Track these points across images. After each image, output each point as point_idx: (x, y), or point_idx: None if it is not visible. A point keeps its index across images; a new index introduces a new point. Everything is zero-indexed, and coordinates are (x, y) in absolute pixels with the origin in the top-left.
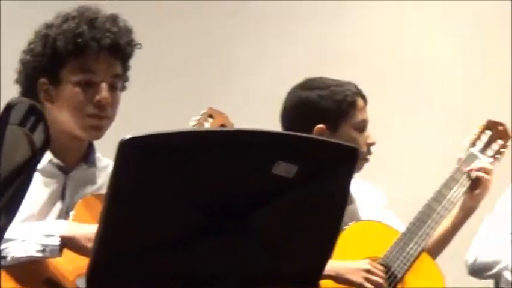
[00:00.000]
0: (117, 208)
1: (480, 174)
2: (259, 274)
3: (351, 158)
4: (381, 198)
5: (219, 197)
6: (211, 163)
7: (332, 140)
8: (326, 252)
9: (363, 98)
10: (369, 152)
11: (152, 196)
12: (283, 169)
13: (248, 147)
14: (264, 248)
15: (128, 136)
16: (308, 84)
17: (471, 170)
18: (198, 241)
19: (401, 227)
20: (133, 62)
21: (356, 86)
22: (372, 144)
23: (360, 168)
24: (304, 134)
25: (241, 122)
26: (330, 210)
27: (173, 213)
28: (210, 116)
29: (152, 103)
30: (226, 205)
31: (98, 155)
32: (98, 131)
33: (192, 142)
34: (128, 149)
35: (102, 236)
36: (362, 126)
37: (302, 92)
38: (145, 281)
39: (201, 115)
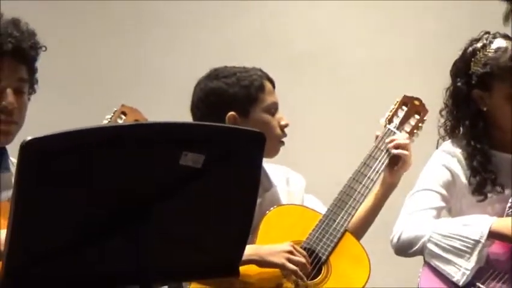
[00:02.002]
0: (24, 211)
1: (397, 151)
2: (176, 268)
3: (257, 143)
4: (301, 183)
5: (128, 193)
6: (117, 159)
7: (236, 126)
8: (242, 238)
9: (271, 81)
10: (284, 134)
11: (58, 197)
12: (191, 159)
13: (154, 140)
14: (177, 241)
15: (29, 138)
16: (214, 74)
17: (390, 146)
18: (108, 240)
19: (323, 210)
20: (42, 64)
21: (261, 70)
22: (286, 125)
23: (277, 152)
24: (207, 123)
25: (156, 117)
26: (241, 196)
27: (81, 213)
28: (123, 112)
29: (64, 104)
30: (135, 201)
31: (12, 159)
32: (7, 136)
33: (95, 139)
34: (30, 151)
35: (11, 241)
36: (273, 109)
37: (209, 82)
38: (56, 285)
39: (114, 113)
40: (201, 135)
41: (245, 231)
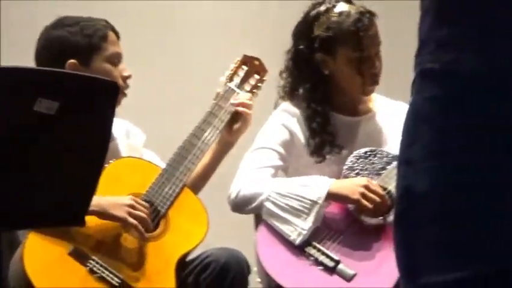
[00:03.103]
0: None
1: (241, 109)
2: (23, 215)
3: (111, 93)
4: (141, 137)
5: None
6: None
7: (91, 75)
8: (91, 188)
9: (115, 32)
10: (126, 86)
11: None
12: (45, 106)
13: (7, 85)
14: (26, 187)
15: None
16: (59, 23)
17: (233, 105)
18: None
19: (161, 164)
20: None
21: (106, 21)
22: (128, 77)
23: (119, 103)
24: (63, 70)
25: None
26: (93, 146)
27: None
28: None
29: None
30: None
31: None
32: None
33: None
34: None
35: None
36: (115, 59)
37: (53, 30)
38: None
39: None
40: (56, 82)
41: (94, 181)
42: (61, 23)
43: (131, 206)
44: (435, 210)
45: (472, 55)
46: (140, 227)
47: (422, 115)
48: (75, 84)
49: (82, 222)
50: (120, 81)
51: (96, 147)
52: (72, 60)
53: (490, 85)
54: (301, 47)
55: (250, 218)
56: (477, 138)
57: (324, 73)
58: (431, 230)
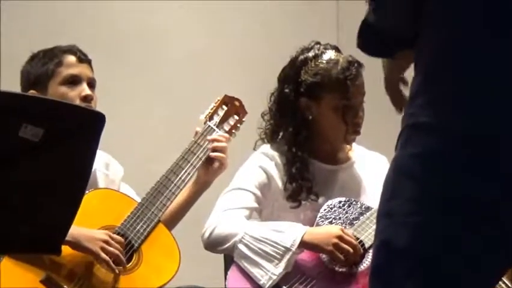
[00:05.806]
0: None
1: (215, 153)
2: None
3: (96, 123)
4: (119, 171)
5: None
6: None
7: (77, 104)
8: (69, 217)
9: (76, 54)
10: (86, 106)
11: None
12: (30, 132)
13: None
14: (10, 211)
15: None
16: (28, 58)
17: (210, 144)
18: None
19: (137, 199)
20: None
21: (71, 46)
22: (86, 96)
23: None
24: (49, 98)
25: None
26: (75, 175)
27: None
28: None
29: None
30: None
31: None
32: None
33: None
34: None
35: None
36: (70, 80)
37: (23, 67)
38: None
39: None
40: (42, 109)
41: (73, 210)
42: (29, 58)
43: (106, 242)
44: (413, 265)
45: (461, 115)
46: (111, 263)
47: (406, 170)
48: (60, 112)
49: (58, 251)
50: (77, 102)
51: (77, 177)
52: (31, 91)
53: (477, 146)
54: (286, 90)
55: (221, 257)
56: (456, 198)
57: (308, 118)
58: (409, 284)
